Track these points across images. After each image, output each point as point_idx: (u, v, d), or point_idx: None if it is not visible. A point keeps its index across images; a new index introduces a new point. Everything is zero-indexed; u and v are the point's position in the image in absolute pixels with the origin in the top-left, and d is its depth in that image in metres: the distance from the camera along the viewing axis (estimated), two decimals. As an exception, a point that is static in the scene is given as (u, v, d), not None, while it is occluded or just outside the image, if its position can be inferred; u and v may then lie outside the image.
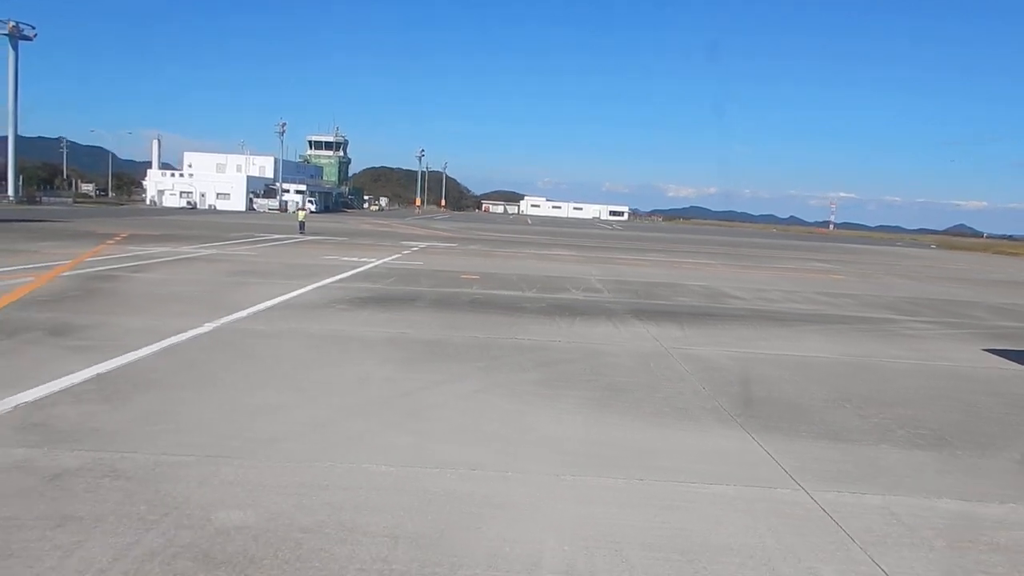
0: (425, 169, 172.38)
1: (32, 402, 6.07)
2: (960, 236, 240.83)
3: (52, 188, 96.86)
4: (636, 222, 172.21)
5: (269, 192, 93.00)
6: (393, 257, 23.96)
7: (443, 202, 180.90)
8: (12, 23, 53.87)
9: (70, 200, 79.36)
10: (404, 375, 7.78)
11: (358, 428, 5.88)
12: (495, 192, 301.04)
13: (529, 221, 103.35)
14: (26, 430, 5.40)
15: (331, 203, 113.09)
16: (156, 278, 15.17)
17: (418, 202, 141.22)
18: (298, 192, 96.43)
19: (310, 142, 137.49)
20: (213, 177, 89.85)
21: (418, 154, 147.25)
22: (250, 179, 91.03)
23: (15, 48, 55.16)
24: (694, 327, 12.28)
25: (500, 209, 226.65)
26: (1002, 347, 11.86)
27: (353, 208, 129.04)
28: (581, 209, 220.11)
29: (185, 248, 23.13)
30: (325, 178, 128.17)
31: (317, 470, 4.91)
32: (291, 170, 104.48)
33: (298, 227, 38.02)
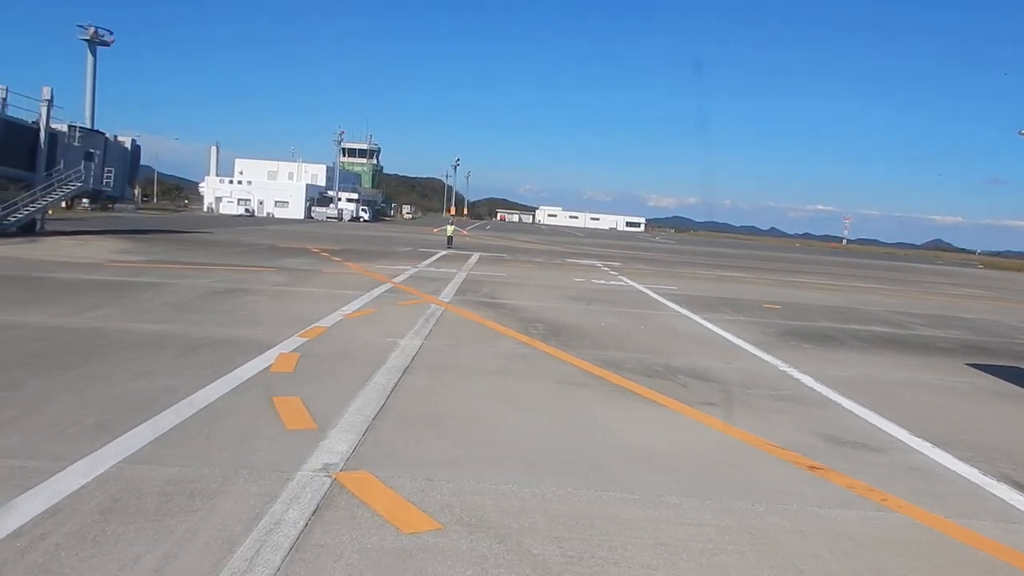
0: (446, 177, 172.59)
1: None
2: (941, 251, 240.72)
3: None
4: (667, 235, 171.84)
5: (323, 200, 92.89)
6: (624, 279, 23.94)
7: (466, 211, 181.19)
8: (93, 29, 53.72)
9: (132, 207, 78.61)
10: None
11: None
12: (488, 200, 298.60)
13: (579, 234, 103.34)
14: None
15: (373, 212, 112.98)
16: (531, 306, 15.16)
17: (452, 211, 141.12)
18: (350, 201, 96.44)
19: (343, 149, 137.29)
20: (272, 185, 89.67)
21: (454, 163, 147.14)
22: (307, 187, 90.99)
23: (94, 53, 54.94)
24: None
25: (515, 218, 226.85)
26: None
27: (388, 216, 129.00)
28: (598, 220, 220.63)
29: (424, 267, 22.99)
30: (362, 185, 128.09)
31: None
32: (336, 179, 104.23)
33: (446, 241, 37.99)
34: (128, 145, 35.33)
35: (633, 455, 5.93)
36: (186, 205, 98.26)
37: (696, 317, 15.28)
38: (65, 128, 31.93)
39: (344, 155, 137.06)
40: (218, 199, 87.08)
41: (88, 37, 56.86)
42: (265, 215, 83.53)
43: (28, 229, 28.75)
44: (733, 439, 6.59)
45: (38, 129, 30.44)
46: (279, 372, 7.92)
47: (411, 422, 6.41)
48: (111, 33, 62.64)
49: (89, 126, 71.34)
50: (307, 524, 4.23)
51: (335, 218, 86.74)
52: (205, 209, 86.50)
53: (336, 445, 5.63)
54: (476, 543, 4.13)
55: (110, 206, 72.97)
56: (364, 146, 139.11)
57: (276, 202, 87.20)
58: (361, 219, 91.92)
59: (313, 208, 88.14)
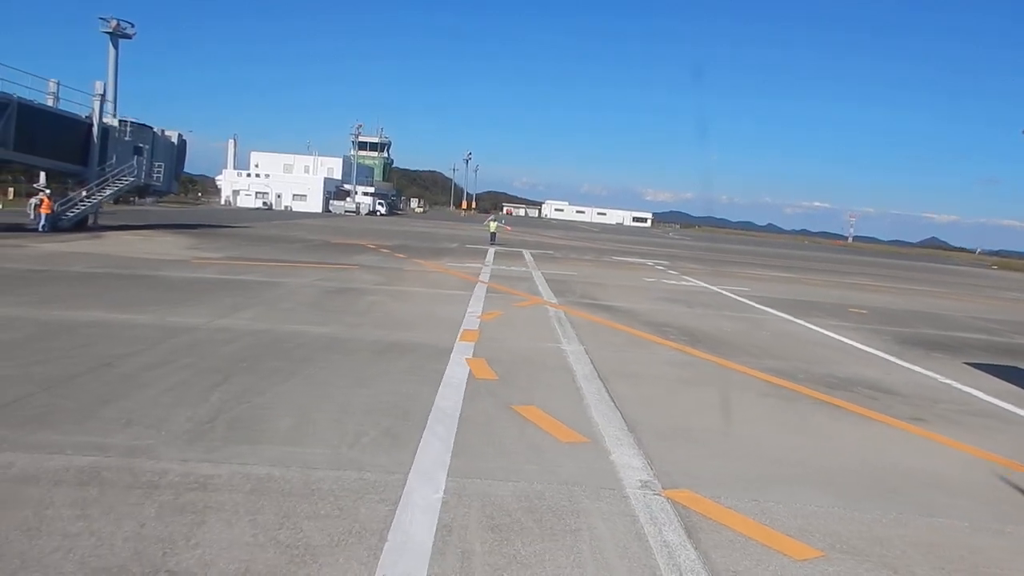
0: (454, 171, 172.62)
1: None
2: (940, 249, 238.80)
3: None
4: (676, 231, 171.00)
5: (340, 194, 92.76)
6: (690, 279, 23.93)
7: (475, 204, 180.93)
8: (115, 21, 53.40)
9: (150, 201, 78.19)
10: None
11: None
12: (487, 193, 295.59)
13: (594, 229, 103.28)
14: None
15: (387, 205, 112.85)
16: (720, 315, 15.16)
17: (464, 205, 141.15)
18: (366, 194, 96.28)
19: (355, 143, 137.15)
20: (291, 178, 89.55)
21: (465, 157, 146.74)
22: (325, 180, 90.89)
23: (115, 46, 54.75)
24: None
25: (522, 212, 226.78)
26: None
27: (399, 210, 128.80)
28: (605, 215, 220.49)
29: (493, 265, 22.94)
30: (374, 179, 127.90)
31: None
32: (350, 172, 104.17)
33: (489, 237, 37.96)
34: (175, 139, 35.24)
35: (910, 477, 5.90)
36: (199, 198, 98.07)
37: (804, 322, 15.28)
38: (116, 123, 31.85)
39: (355, 148, 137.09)
40: (235, 192, 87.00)
41: (110, 30, 56.82)
42: (283, 208, 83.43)
43: (80, 224, 28.69)
44: (986, 461, 6.57)
45: (90, 124, 30.38)
46: (485, 379, 7.91)
47: (667, 436, 6.39)
48: (133, 26, 62.59)
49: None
50: (696, 548, 4.22)
51: (353, 212, 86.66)
52: (222, 202, 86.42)
53: (628, 460, 5.62)
54: (876, 573, 4.13)
55: (131, 199, 72.56)
56: (376, 139, 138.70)
57: (294, 195, 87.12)
58: (378, 213, 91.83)
59: (331, 202, 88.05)
